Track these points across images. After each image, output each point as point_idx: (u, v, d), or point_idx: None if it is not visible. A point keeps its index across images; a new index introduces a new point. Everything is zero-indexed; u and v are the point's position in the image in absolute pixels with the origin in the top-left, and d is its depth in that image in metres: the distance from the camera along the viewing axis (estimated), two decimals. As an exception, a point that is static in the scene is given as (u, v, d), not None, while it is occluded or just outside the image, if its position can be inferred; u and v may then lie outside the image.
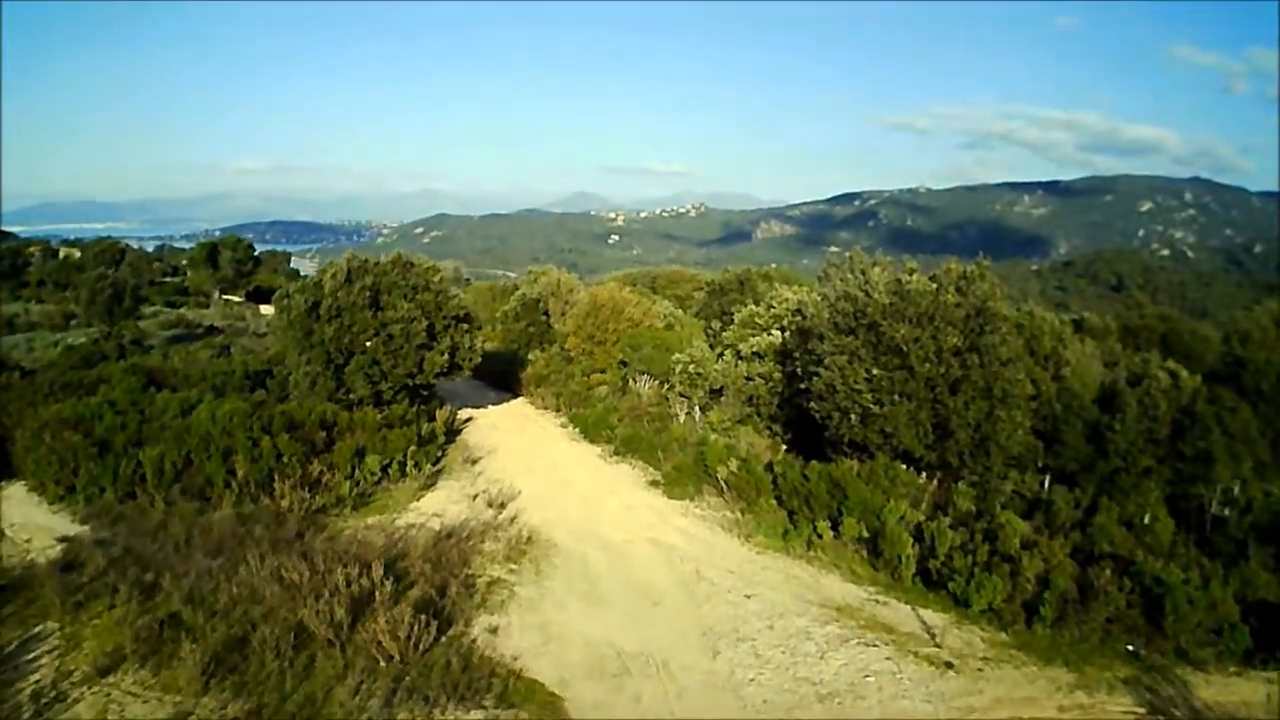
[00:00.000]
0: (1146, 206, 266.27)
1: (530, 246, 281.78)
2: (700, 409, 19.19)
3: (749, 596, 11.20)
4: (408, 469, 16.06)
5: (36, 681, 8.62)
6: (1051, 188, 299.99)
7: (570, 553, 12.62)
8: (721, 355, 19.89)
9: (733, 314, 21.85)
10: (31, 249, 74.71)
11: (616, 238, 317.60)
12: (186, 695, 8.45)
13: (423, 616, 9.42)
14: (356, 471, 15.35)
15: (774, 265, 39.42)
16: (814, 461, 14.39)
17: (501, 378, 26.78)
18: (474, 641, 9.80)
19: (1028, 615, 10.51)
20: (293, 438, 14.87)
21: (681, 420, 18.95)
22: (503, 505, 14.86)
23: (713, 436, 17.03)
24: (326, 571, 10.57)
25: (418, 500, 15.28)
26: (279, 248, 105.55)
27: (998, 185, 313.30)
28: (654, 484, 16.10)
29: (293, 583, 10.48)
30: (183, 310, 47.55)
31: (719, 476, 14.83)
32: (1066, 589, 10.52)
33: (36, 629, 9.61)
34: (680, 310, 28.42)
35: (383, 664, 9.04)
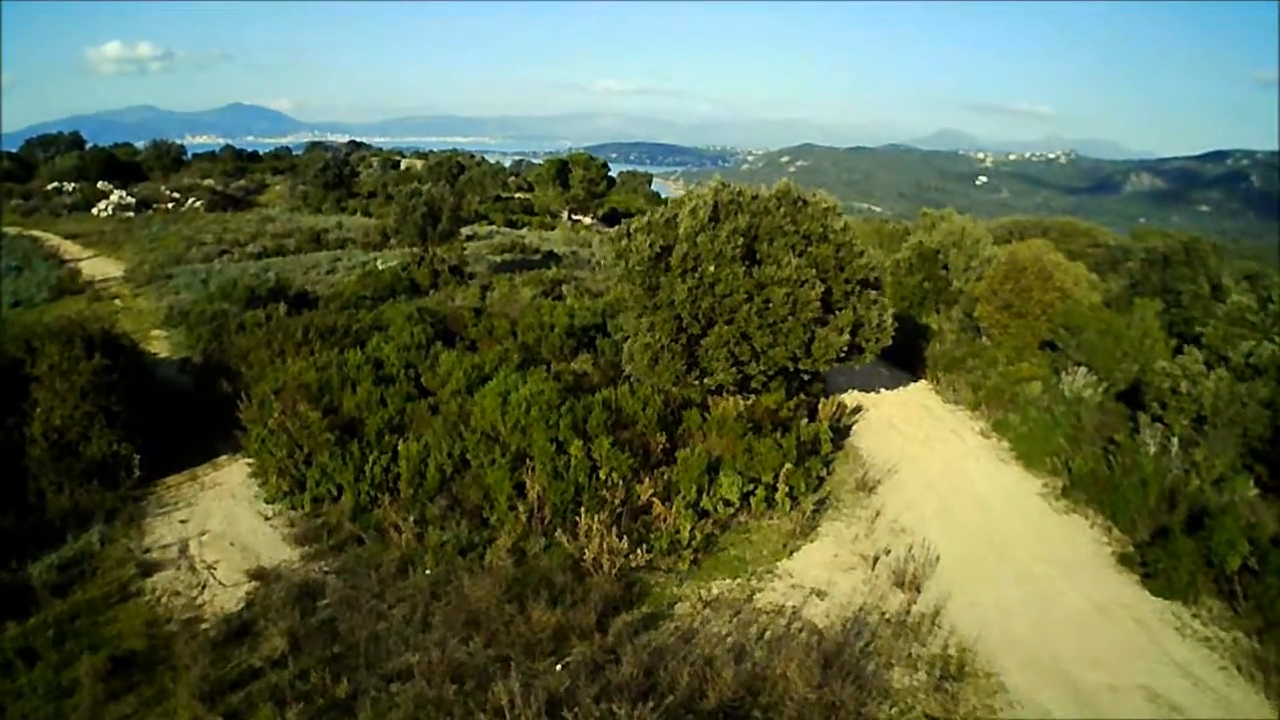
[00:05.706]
0: None
1: (895, 182, 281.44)
2: (1180, 441, 13.21)
3: None
4: (778, 497, 11.22)
5: None
6: None
7: (1024, 705, 7.95)
8: (1211, 366, 14.72)
9: (1179, 292, 19.26)
10: (369, 157, 78.40)
11: (984, 179, 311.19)
12: None
13: None
14: (704, 498, 10.73)
15: (1142, 220, 32.30)
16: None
17: (897, 350, 21.52)
18: None
19: None
20: (617, 442, 10.47)
21: (1151, 452, 13.06)
22: (917, 586, 10.02)
23: (1206, 492, 11.81)
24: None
25: (789, 556, 10.44)
26: (641, 168, 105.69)
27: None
28: (1124, 562, 11.08)
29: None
30: (523, 231, 43.42)
31: (1229, 571, 10.00)
32: None
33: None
34: (1092, 274, 23.12)
35: None
